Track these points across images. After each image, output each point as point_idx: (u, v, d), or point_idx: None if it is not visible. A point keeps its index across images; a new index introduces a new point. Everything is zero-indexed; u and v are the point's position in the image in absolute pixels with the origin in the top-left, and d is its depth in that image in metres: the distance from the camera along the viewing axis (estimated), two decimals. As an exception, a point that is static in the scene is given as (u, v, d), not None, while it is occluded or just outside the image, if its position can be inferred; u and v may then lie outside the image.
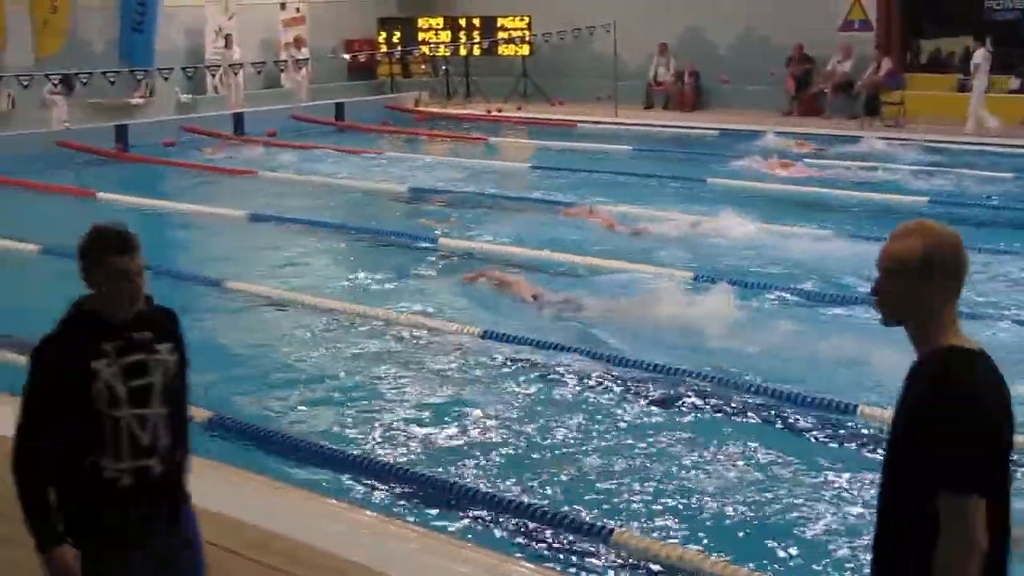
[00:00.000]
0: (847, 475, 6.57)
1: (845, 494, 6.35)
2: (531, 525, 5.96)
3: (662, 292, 9.98)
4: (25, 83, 20.35)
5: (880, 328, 3.11)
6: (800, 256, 11.74)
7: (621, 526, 5.90)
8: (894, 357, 7.58)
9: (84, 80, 20.54)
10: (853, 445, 7.06)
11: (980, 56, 19.93)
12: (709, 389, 7.93)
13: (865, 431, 7.20)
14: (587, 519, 5.97)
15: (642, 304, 9.81)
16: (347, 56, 26.07)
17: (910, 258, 2.95)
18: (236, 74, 23.59)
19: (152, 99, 23.82)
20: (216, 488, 6.01)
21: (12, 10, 22.28)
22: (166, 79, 22.26)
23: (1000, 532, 2.92)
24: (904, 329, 3.02)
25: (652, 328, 9.38)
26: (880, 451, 6.82)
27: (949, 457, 2.81)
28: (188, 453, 3.89)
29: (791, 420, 7.44)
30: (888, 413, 7.05)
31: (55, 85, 20.96)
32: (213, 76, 23.88)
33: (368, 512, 6.01)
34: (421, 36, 27.05)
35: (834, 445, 7.09)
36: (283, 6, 26.40)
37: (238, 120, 22.86)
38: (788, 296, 10.28)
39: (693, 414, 7.57)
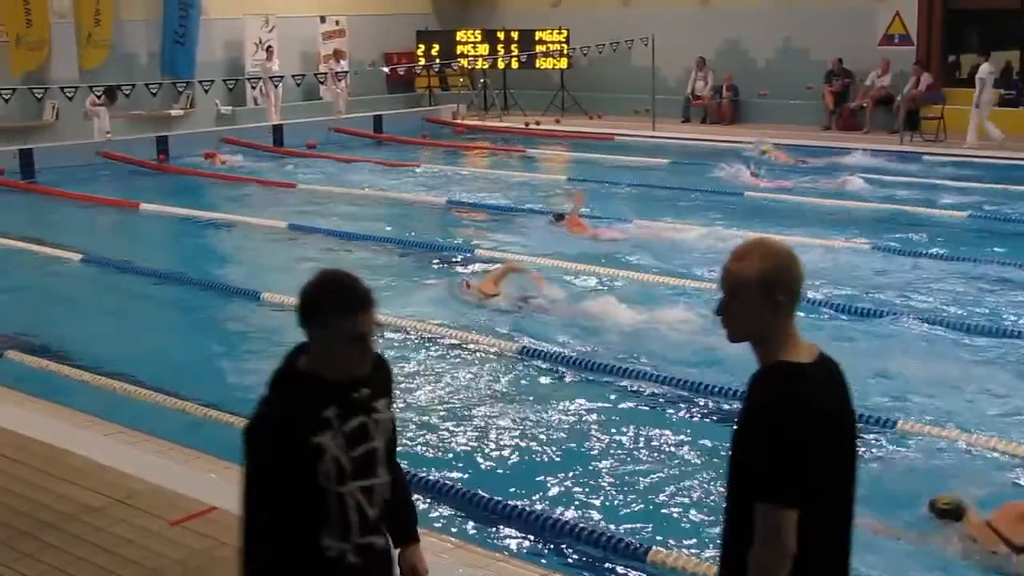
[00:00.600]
0: (883, 490, 6.53)
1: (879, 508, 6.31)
2: (568, 542, 5.98)
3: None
4: (70, 95, 20.63)
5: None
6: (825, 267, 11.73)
7: (657, 545, 5.89)
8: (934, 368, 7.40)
9: (127, 92, 20.78)
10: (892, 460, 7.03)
11: (984, 71, 20.12)
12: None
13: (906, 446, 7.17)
14: (622, 537, 5.95)
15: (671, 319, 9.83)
16: (386, 69, 26.23)
17: (748, 278, 3.06)
18: (276, 86, 23.79)
19: (193, 110, 24.08)
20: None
21: (57, 23, 22.59)
22: (207, 91, 22.48)
23: (827, 538, 3.03)
24: (750, 348, 3.12)
25: (688, 343, 9.39)
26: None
27: (762, 469, 2.93)
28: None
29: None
30: (928, 428, 7.12)
31: (98, 96, 21.23)
32: (253, 88, 24.09)
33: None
34: (460, 49, 27.17)
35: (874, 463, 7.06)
36: (323, 19, 26.62)
37: (277, 132, 23.07)
38: (829, 311, 10.24)
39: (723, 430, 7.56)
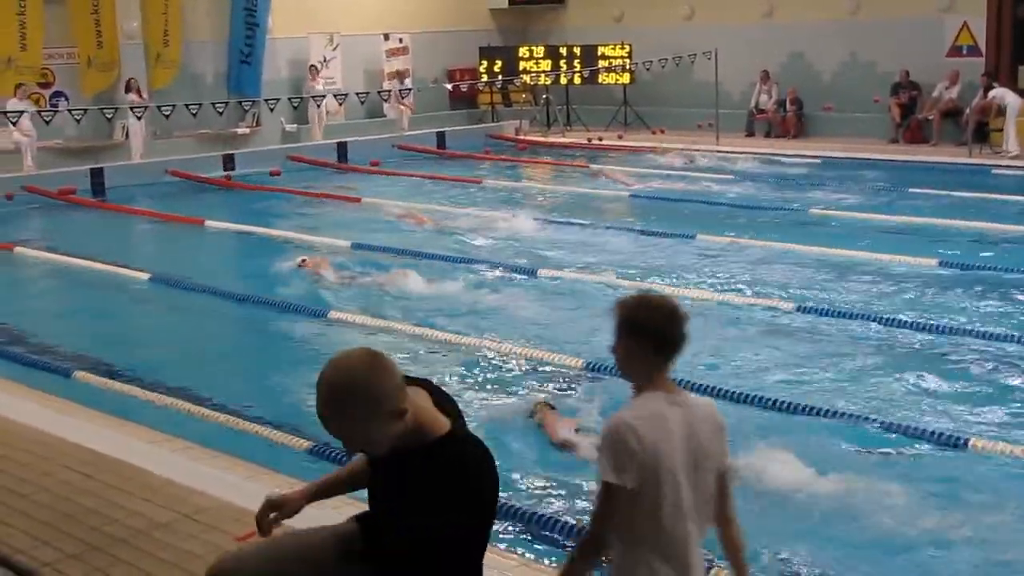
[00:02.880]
0: (954, 511, 6.44)
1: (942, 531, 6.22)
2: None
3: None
4: (139, 115, 20.99)
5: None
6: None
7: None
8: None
9: (194, 111, 21.09)
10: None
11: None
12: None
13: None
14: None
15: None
16: (449, 86, 26.39)
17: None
18: (319, 105, 23.97)
19: (258, 128, 24.38)
20: (317, 514, 6.11)
21: (127, 44, 23.02)
22: (272, 109, 22.77)
23: None
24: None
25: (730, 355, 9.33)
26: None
27: None
28: None
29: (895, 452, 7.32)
30: (1001, 446, 7.01)
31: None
32: (318, 106, 24.34)
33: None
34: (522, 65, 27.24)
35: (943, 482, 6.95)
36: (386, 37, 26.84)
37: (342, 149, 23.29)
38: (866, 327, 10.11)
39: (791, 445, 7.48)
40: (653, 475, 3.41)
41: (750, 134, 25.01)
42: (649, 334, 3.48)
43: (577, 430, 7.65)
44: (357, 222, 16.54)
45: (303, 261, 12.88)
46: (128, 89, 22.04)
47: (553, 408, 8.00)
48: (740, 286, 11.86)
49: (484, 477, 3.34)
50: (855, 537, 6.22)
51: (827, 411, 7.91)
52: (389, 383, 3.16)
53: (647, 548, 3.47)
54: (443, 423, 3.31)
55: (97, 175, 20.34)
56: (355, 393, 3.14)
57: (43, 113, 20.44)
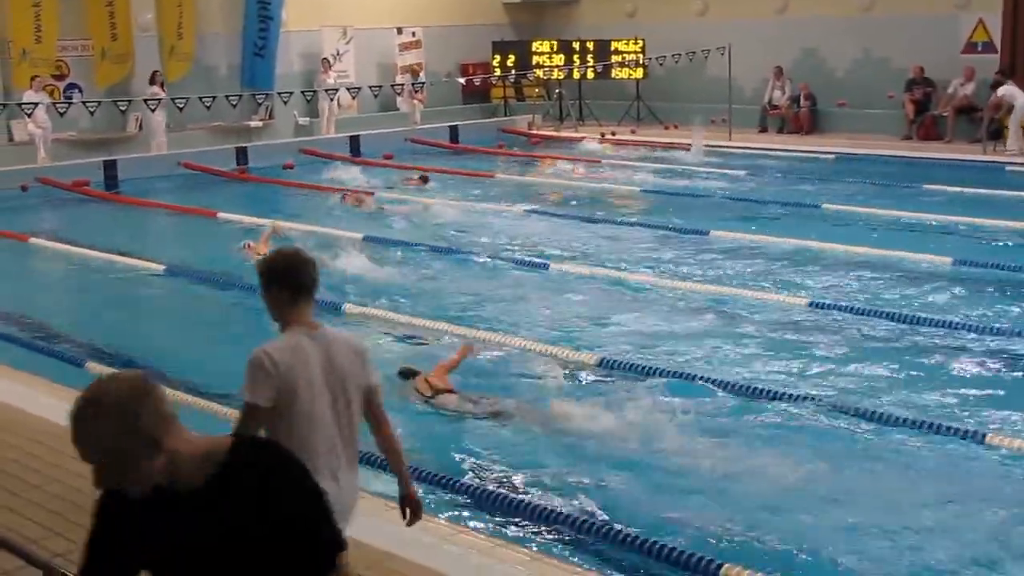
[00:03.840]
0: (967, 505, 6.43)
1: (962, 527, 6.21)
2: (640, 556, 5.95)
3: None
4: (153, 107, 21.02)
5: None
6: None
7: (729, 562, 5.84)
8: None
9: (207, 104, 21.11)
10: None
11: None
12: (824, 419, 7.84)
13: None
14: (696, 553, 5.90)
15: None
16: (462, 80, 26.38)
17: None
18: (332, 99, 23.96)
19: (271, 121, 24.40)
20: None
21: (141, 36, 23.06)
22: (286, 102, 22.78)
23: None
24: None
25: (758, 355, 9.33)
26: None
27: None
28: None
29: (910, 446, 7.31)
30: (1018, 443, 7.00)
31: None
32: (332, 100, 24.34)
33: (478, 535, 6.06)
34: (535, 60, 27.22)
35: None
36: (399, 30, 26.85)
37: (355, 143, 23.30)
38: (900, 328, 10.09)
39: (806, 443, 7.47)
40: (288, 395, 4.07)
41: (763, 130, 24.95)
42: (283, 282, 4.21)
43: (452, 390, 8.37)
44: (370, 214, 16.56)
45: (247, 246, 13.00)
46: (152, 81, 22.11)
47: (418, 372, 8.61)
48: (752, 281, 11.85)
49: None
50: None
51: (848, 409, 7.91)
52: (148, 407, 2.74)
53: None
54: (224, 440, 2.91)
55: (110, 167, 20.38)
56: (107, 410, 2.74)
57: (57, 105, 20.48)
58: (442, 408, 8.27)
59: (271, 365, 4.07)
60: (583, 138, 24.52)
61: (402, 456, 4.53)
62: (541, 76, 27.25)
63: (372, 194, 17.49)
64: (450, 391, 8.37)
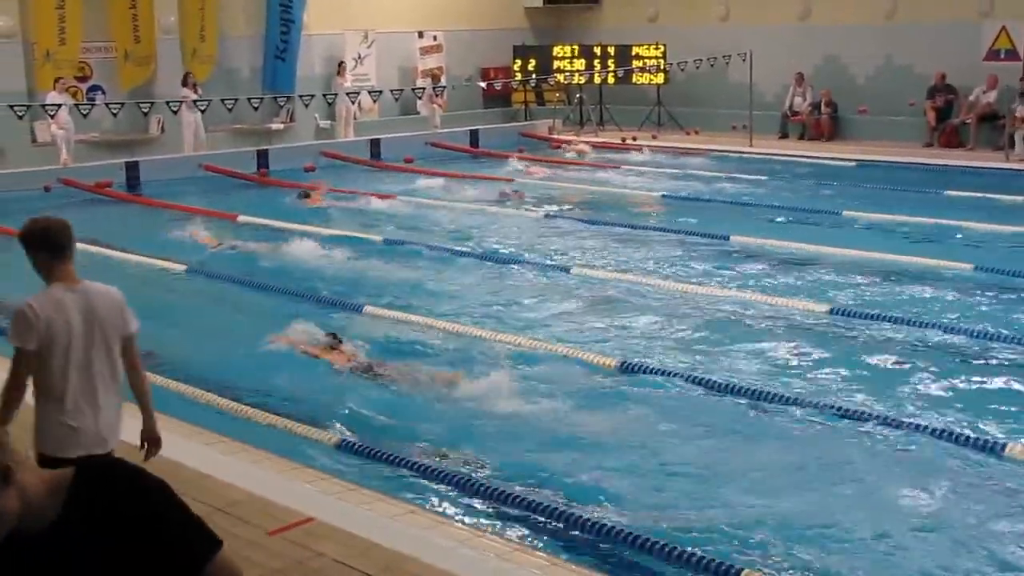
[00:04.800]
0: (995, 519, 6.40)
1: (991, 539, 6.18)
2: (659, 562, 5.94)
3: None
4: (175, 109, 21.12)
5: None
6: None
7: (750, 568, 5.84)
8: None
9: (229, 106, 21.20)
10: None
11: None
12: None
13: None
14: (718, 559, 5.90)
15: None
16: (483, 84, 26.41)
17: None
18: (354, 103, 23.98)
19: (292, 124, 24.47)
20: (348, 510, 6.16)
21: (163, 39, 23.17)
22: (307, 105, 22.85)
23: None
24: None
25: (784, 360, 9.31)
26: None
27: None
28: None
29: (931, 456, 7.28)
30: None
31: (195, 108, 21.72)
32: (353, 103, 24.39)
33: (496, 539, 6.06)
34: (556, 64, 27.22)
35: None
36: (421, 34, 26.90)
37: (375, 146, 23.35)
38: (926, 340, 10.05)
39: (829, 449, 7.46)
40: (48, 340, 4.76)
41: (783, 136, 24.90)
42: (41, 245, 4.85)
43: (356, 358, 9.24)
44: (389, 217, 16.61)
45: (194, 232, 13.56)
46: (185, 83, 22.24)
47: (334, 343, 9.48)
48: (772, 287, 11.82)
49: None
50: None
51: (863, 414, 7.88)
52: None
53: (52, 401, 4.85)
54: (65, 471, 2.68)
55: (132, 169, 20.48)
56: None
57: (80, 107, 20.60)
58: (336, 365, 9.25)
59: (33, 316, 4.76)
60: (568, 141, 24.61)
61: (150, 396, 5.27)
62: (562, 81, 27.25)
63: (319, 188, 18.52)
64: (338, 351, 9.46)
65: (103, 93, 22.68)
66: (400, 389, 8.83)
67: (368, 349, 9.66)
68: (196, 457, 6.90)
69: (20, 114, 19.39)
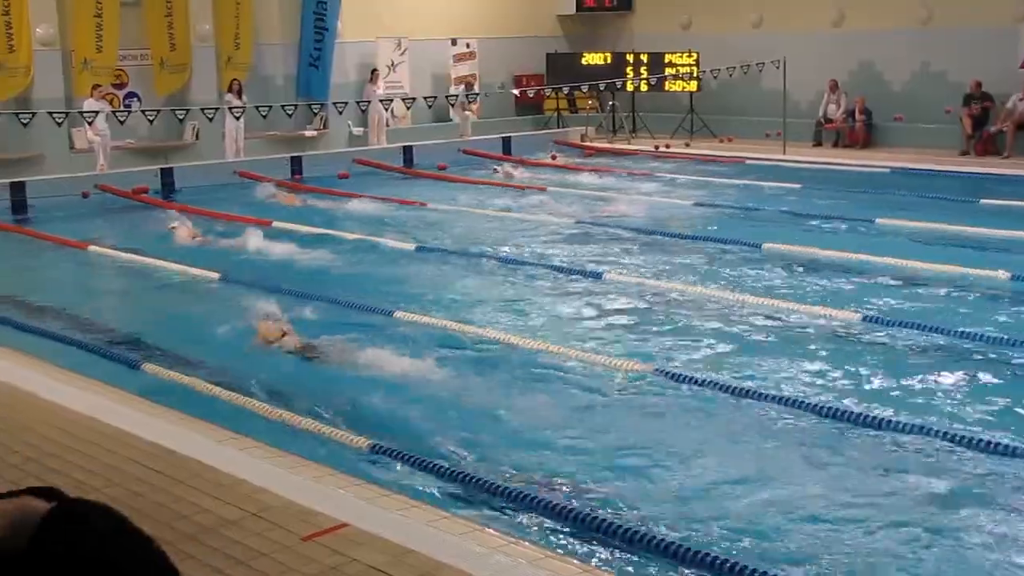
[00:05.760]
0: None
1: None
2: (693, 571, 5.92)
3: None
4: (210, 116, 21.28)
5: None
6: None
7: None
8: None
9: (264, 113, 21.35)
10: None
11: None
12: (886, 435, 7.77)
13: None
14: (756, 568, 5.87)
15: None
16: (515, 91, 26.45)
17: None
18: (387, 110, 24.06)
19: (326, 131, 24.61)
20: (382, 516, 6.18)
21: (199, 46, 23.37)
22: (340, 112, 22.97)
23: None
24: None
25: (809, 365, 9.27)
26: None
27: None
28: None
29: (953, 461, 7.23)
30: None
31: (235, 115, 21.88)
32: (386, 110, 24.52)
33: (530, 545, 6.06)
34: (588, 72, 27.22)
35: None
36: (454, 42, 26.99)
37: (408, 153, 23.43)
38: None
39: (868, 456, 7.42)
40: None
41: (817, 144, 24.81)
42: None
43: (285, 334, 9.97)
44: (422, 224, 16.67)
45: (173, 227, 13.83)
46: (229, 89, 22.44)
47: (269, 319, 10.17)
48: (804, 295, 11.78)
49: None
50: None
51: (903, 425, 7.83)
52: None
53: None
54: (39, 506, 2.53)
55: (167, 175, 20.65)
56: None
57: (117, 113, 20.80)
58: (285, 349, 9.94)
59: None
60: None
61: None
62: (594, 88, 27.26)
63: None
64: (284, 335, 10.08)
65: (139, 100, 22.90)
66: (439, 397, 8.86)
67: (408, 353, 9.69)
68: (230, 462, 6.94)
69: (59, 121, 19.59)
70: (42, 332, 10.90)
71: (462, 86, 26.29)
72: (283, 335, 10.07)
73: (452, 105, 26.02)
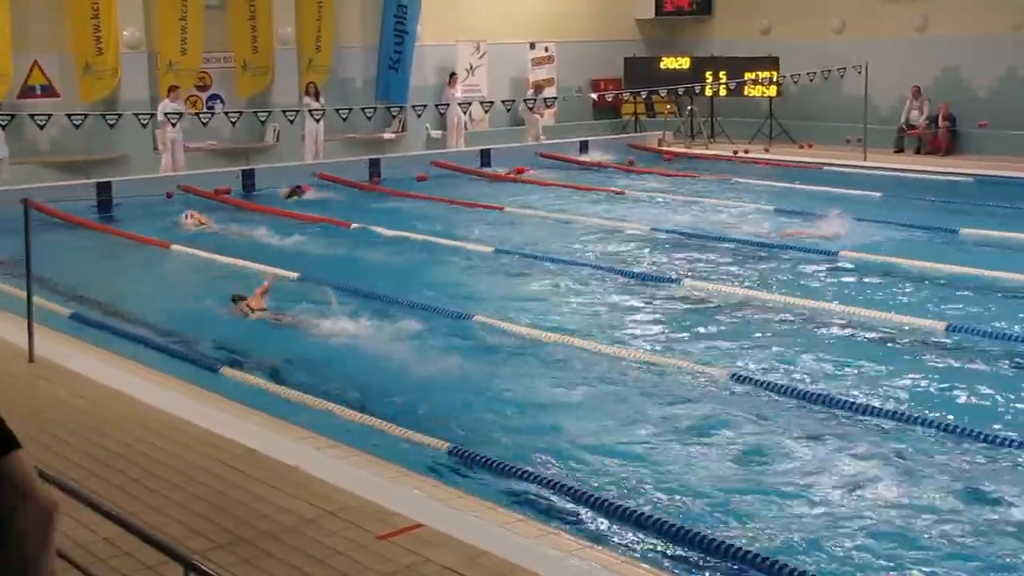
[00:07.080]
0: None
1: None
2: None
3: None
4: (291, 118, 21.54)
5: None
6: None
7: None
8: None
9: (344, 115, 21.57)
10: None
11: None
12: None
13: None
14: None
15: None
16: (593, 95, 26.42)
17: None
18: (466, 112, 24.13)
19: (404, 134, 24.78)
20: (458, 517, 6.21)
21: (280, 49, 23.66)
22: (419, 115, 23.12)
23: None
24: None
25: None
26: None
27: None
28: None
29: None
30: None
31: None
32: (464, 113, 24.62)
33: (604, 550, 6.06)
34: (666, 76, 27.08)
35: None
36: (532, 45, 27.03)
37: (485, 156, 23.51)
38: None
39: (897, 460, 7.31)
40: None
41: (899, 150, 24.45)
42: None
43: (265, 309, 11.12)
44: (500, 227, 16.72)
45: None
46: (307, 92, 22.75)
47: (243, 297, 11.36)
48: (885, 303, 11.62)
49: None
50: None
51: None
52: None
53: None
54: None
55: (248, 176, 20.94)
56: None
57: (200, 115, 21.13)
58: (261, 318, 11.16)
59: None
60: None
61: None
62: (672, 93, 27.13)
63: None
64: (263, 310, 11.35)
65: (222, 102, 23.25)
66: (517, 401, 8.89)
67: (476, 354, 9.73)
68: (308, 460, 7.03)
69: (144, 122, 19.95)
70: (124, 333, 11.08)
71: (531, 90, 26.30)
72: (261, 302, 11.38)
73: (531, 108, 26.06)
